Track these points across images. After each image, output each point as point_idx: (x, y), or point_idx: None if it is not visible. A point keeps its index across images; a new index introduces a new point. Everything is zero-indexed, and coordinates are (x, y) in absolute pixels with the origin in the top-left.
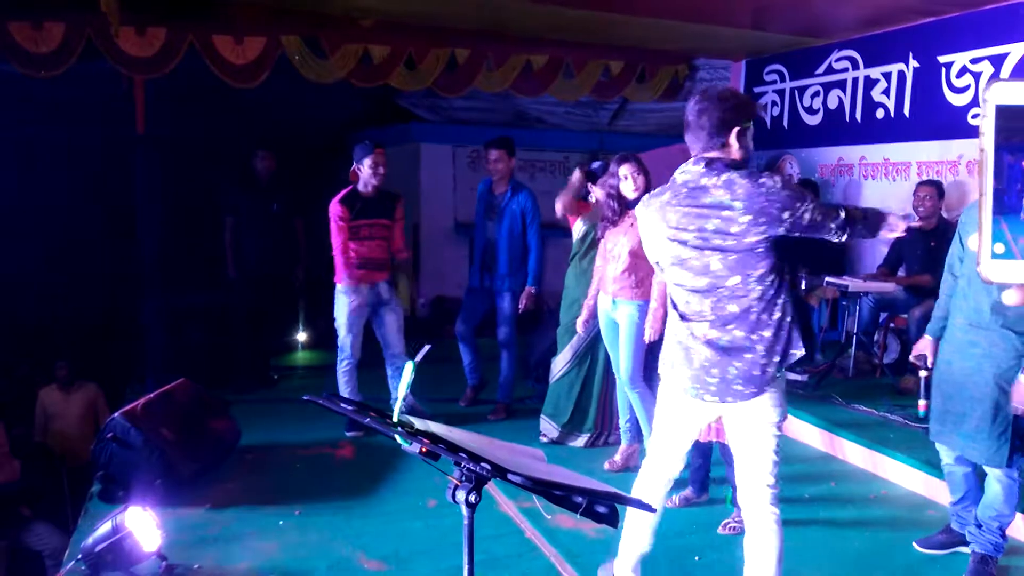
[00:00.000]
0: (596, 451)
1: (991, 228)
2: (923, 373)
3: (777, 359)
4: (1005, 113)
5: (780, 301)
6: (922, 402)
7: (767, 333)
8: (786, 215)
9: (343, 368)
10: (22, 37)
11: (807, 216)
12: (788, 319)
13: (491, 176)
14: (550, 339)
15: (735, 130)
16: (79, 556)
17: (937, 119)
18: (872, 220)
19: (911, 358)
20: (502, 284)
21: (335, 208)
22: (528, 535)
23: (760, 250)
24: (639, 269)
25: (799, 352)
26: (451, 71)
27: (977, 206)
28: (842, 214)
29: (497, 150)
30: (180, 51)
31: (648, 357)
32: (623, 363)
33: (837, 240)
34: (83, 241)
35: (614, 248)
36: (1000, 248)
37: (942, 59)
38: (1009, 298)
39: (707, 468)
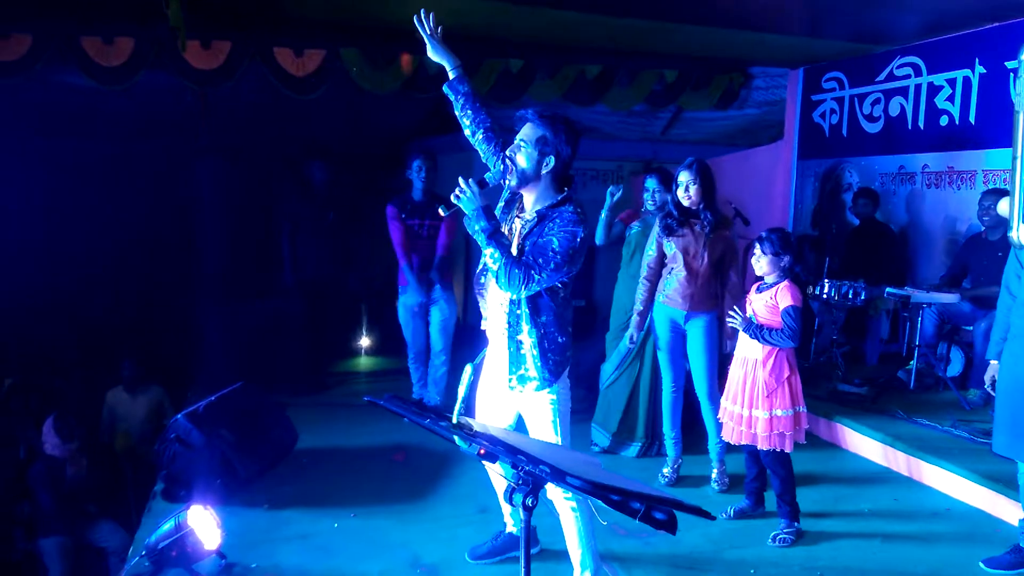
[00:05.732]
0: (649, 460)
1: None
2: None
3: None
4: None
5: None
6: None
7: None
8: None
9: (408, 360)
10: (94, 51)
11: None
12: None
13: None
14: (598, 347)
15: None
16: (143, 552)
17: (1005, 126)
18: None
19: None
20: None
21: (388, 208)
22: None
23: None
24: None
25: None
26: (505, 81)
27: None
28: None
29: None
30: (243, 63)
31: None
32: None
33: None
34: (146, 247)
35: (685, 258)
36: None
37: (1009, 64)
38: None
39: (764, 480)
